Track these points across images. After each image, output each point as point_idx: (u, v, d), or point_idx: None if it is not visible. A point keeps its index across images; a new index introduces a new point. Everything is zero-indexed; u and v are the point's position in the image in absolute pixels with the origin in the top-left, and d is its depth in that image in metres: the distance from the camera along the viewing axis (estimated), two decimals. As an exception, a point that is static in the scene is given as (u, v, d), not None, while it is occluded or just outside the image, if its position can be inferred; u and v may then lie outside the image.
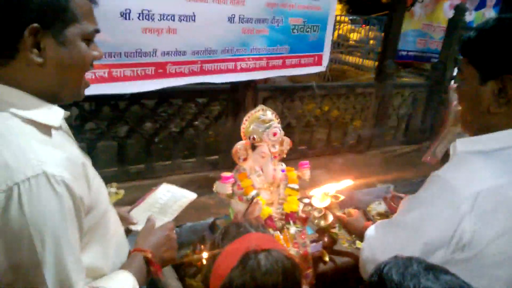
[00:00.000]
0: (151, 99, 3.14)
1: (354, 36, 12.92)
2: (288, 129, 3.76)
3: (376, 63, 9.62)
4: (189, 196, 1.52)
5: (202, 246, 1.76)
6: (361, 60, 10.88)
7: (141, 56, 2.28)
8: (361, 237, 1.39)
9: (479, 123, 0.99)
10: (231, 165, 3.86)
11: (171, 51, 2.37)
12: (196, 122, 3.43)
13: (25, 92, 0.80)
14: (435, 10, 4.89)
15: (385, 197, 2.31)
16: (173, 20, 2.30)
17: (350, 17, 14.38)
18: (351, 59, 11.43)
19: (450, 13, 4.97)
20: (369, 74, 9.38)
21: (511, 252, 0.90)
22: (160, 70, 2.39)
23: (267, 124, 2.03)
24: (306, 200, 1.77)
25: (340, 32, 12.50)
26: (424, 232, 0.97)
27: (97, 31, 0.87)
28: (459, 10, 4.35)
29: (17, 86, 0.79)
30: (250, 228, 0.95)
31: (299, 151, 3.94)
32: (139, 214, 1.34)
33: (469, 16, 5.09)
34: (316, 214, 1.70)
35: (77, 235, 0.80)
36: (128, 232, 1.21)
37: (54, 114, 0.84)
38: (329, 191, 1.70)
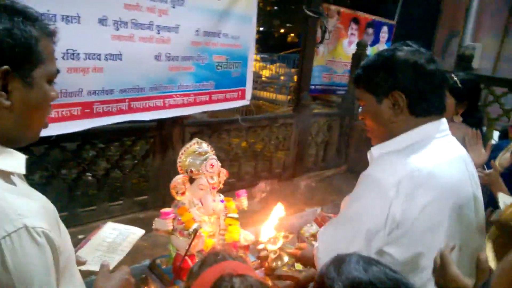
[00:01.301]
0: (72, 142, 2.97)
1: (266, 73, 13.59)
2: (217, 163, 3.81)
3: (289, 97, 10.24)
4: (137, 232, 1.48)
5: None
6: (274, 94, 11.45)
7: (66, 97, 2.19)
8: (314, 266, 1.50)
9: (386, 133, 1.22)
10: (161, 204, 3.77)
11: (97, 90, 2.31)
12: (123, 163, 3.32)
13: None
14: (336, 47, 5.42)
15: (316, 219, 2.46)
16: (99, 59, 2.26)
17: (261, 55, 15.12)
18: (265, 94, 11.97)
19: (350, 49, 5.56)
20: (283, 107, 9.91)
21: (431, 222, 1.12)
22: (87, 110, 2.30)
23: (204, 157, 2.08)
24: (260, 246, 1.82)
25: (254, 69, 13.03)
26: (364, 220, 1.16)
27: (58, 71, 0.86)
28: (361, 45, 4.89)
29: None
30: (228, 256, 0.97)
31: (229, 184, 3.98)
32: (87, 254, 1.28)
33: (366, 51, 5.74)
34: (272, 256, 1.74)
35: (55, 284, 0.77)
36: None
37: (18, 160, 0.80)
38: (278, 233, 1.78)
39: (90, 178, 3.27)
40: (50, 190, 2.97)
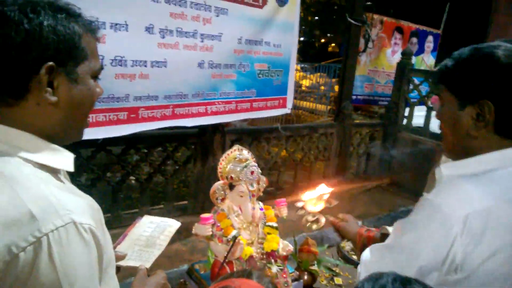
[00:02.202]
0: (117, 146, 3.08)
1: (306, 82, 13.54)
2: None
3: (329, 107, 10.11)
4: (173, 224, 1.49)
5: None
6: (314, 104, 11.37)
7: (113, 102, 2.27)
8: (354, 242, 1.39)
9: (460, 146, 1.03)
10: (200, 210, 3.80)
11: (143, 96, 2.38)
12: (165, 168, 3.39)
13: (34, 135, 0.76)
14: (379, 57, 5.30)
15: (359, 232, 2.37)
16: (146, 66, 2.33)
17: (301, 65, 15.12)
18: (304, 104, 11.90)
19: (393, 59, 5.42)
20: (322, 118, 9.80)
21: (499, 272, 0.92)
22: (133, 115, 2.37)
23: (245, 163, 2.06)
24: (299, 204, 1.76)
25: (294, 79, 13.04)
26: (418, 255, 0.98)
27: (102, 68, 0.87)
28: (406, 54, 4.75)
29: (24, 127, 0.75)
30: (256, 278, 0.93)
31: (267, 192, 3.96)
32: (125, 250, 1.29)
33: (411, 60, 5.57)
34: (309, 218, 1.69)
35: (98, 281, 0.77)
36: (117, 270, 1.16)
37: (66, 158, 0.81)
38: (322, 195, 1.71)
39: (133, 181, 3.36)
40: (95, 192, 3.08)
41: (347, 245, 2.43)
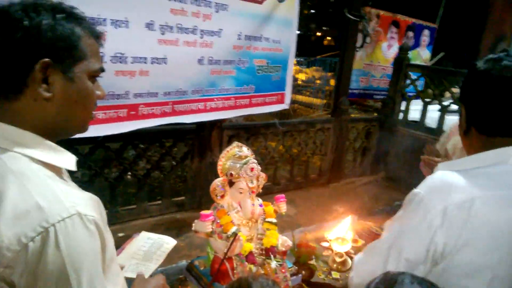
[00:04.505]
0: (115, 142, 3.07)
1: (302, 76, 13.53)
2: (253, 167, 3.81)
3: (325, 101, 10.12)
4: (170, 242, 1.55)
5: (185, 289, 1.72)
6: (310, 98, 11.38)
7: (113, 99, 2.26)
8: None
9: (466, 146, 1.12)
10: (197, 205, 3.80)
11: (143, 92, 2.37)
12: (162, 164, 3.39)
13: (38, 135, 0.80)
14: (375, 51, 5.31)
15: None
16: (145, 63, 2.32)
17: (297, 59, 15.10)
18: (301, 98, 11.91)
19: (389, 53, 5.43)
20: (318, 111, 9.81)
21: (477, 263, 0.95)
22: (133, 112, 2.37)
23: (244, 160, 2.07)
24: (325, 244, 1.76)
25: (289, 72, 13.06)
26: (404, 247, 1.01)
27: (102, 69, 0.88)
28: (403, 49, 4.76)
29: (23, 122, 0.78)
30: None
31: (265, 187, 3.97)
32: (123, 262, 1.33)
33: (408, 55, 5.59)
34: (337, 259, 1.67)
35: (102, 270, 0.81)
36: None
37: (69, 158, 0.85)
38: (347, 236, 1.69)
39: (130, 177, 3.37)
40: (93, 188, 3.07)
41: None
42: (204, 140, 3.37)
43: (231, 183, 2.06)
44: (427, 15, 6.51)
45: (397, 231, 1.05)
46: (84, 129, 0.91)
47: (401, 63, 4.74)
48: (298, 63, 14.66)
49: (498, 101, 0.98)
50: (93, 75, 0.86)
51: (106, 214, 0.87)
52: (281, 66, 3.42)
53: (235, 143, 2.17)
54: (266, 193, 4.06)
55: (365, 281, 1.05)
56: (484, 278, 0.96)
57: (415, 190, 1.04)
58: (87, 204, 0.77)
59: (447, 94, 4.77)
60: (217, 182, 2.14)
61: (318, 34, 22.69)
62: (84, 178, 3.08)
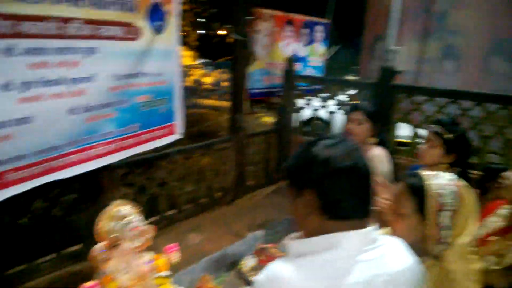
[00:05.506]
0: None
1: (208, 80, 13.54)
2: (153, 200, 3.74)
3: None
4: None
5: None
6: (218, 102, 11.45)
7: (-32, 173, 2.04)
8: None
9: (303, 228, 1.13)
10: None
11: (6, 158, 2.18)
12: (49, 215, 3.15)
13: None
14: (274, 50, 5.54)
15: (257, 251, 2.49)
16: (5, 127, 2.12)
17: (201, 61, 15.02)
18: (209, 102, 11.91)
19: (287, 50, 5.69)
20: (226, 114, 9.91)
21: None
22: (-4, 181, 2.16)
23: (126, 220, 2.04)
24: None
25: (195, 77, 13.00)
26: None
27: None
28: (289, 60, 5.04)
29: None
30: None
31: (168, 218, 3.93)
32: None
33: (303, 51, 5.90)
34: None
35: None
36: None
37: None
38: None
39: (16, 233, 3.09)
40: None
41: (245, 266, 2.52)
42: (94, 183, 3.21)
43: (115, 245, 2.01)
44: (320, 12, 6.93)
45: None
46: None
47: (288, 75, 5.00)
48: (206, 65, 14.59)
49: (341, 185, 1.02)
50: None
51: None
52: (167, 98, 3.38)
53: (114, 203, 2.12)
54: (170, 223, 4.02)
55: None
56: None
57: (256, 278, 1.09)
58: None
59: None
60: (97, 248, 2.07)
61: (223, 32, 22.73)
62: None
